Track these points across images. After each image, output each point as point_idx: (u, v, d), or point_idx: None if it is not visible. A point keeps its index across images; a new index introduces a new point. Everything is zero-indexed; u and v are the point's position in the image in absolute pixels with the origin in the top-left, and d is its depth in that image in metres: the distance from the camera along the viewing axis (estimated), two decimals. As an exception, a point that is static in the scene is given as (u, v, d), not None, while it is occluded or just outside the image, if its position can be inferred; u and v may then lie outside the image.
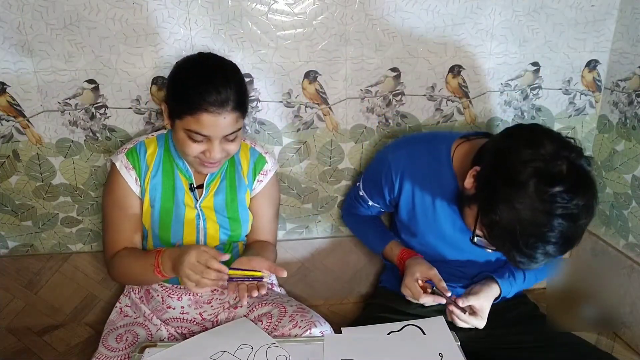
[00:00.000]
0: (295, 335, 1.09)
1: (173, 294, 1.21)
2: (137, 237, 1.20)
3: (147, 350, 1.05)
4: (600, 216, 1.49)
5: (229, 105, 1.03)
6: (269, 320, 1.14)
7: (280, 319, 1.13)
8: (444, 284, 1.11)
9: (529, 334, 1.17)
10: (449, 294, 1.10)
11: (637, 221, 1.36)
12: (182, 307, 1.21)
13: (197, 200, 1.18)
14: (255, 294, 1.00)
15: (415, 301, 1.13)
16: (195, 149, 1.06)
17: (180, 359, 1.03)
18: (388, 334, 1.11)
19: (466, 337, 1.12)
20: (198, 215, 1.19)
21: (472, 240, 1.01)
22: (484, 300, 1.12)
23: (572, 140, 0.93)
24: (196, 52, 1.14)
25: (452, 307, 1.09)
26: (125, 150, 1.17)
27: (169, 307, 1.21)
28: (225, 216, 1.20)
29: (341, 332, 1.12)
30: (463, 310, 1.09)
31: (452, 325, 1.13)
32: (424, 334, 1.11)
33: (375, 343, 1.08)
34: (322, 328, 1.11)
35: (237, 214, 1.21)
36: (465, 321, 1.10)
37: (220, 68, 1.08)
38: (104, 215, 1.20)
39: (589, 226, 1.51)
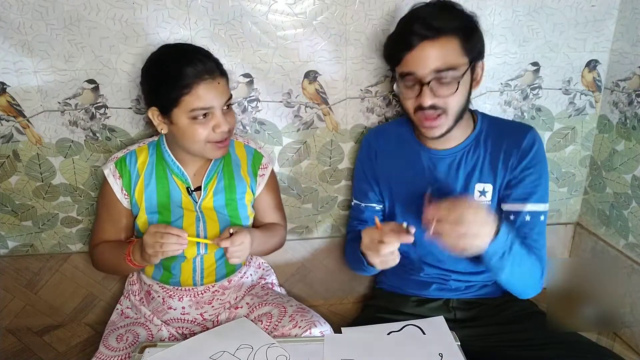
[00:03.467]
0: (295, 335, 1.09)
1: (174, 295, 1.21)
2: (120, 237, 1.23)
3: (147, 350, 1.05)
4: (600, 216, 1.49)
5: (217, 70, 1.07)
6: (269, 320, 1.14)
7: (280, 319, 1.13)
8: (403, 224, 1.01)
9: (527, 331, 1.17)
10: (413, 230, 0.99)
11: (637, 221, 1.36)
12: (183, 307, 1.21)
13: (197, 202, 1.18)
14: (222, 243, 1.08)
15: (381, 250, 1.00)
16: (202, 132, 1.07)
17: (181, 359, 1.03)
18: (388, 334, 1.11)
19: (466, 337, 1.12)
20: (198, 217, 1.19)
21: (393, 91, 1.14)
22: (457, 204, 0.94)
23: None
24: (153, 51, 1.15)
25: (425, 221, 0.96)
26: (115, 159, 1.19)
27: (170, 308, 1.21)
28: (226, 214, 1.20)
29: (341, 332, 1.12)
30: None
31: (452, 325, 1.13)
32: (424, 334, 1.11)
33: (375, 343, 1.08)
34: (322, 328, 1.11)
35: (237, 212, 1.22)
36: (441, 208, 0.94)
37: (189, 47, 1.13)
38: (95, 211, 1.28)
39: (589, 226, 1.53)
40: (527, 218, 1.14)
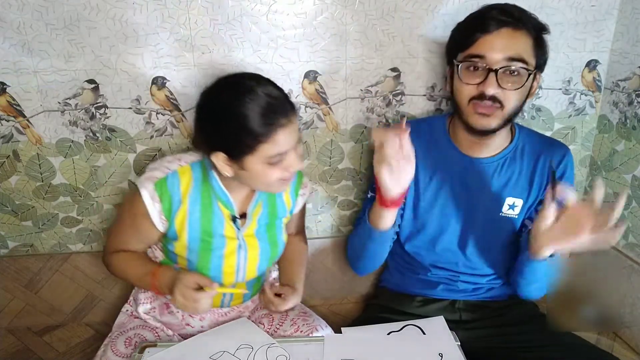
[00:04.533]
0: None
1: (196, 315, 1.17)
2: (144, 250, 1.17)
3: (147, 350, 1.05)
4: (600, 216, 1.49)
5: (288, 106, 0.98)
6: (271, 323, 1.14)
7: (282, 322, 1.13)
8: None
9: (529, 333, 1.17)
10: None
11: (637, 221, 1.36)
12: (202, 326, 1.19)
13: (240, 230, 1.11)
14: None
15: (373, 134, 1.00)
16: (275, 173, 0.99)
17: (181, 359, 1.03)
18: (388, 334, 1.11)
19: (466, 337, 1.12)
20: (240, 245, 1.12)
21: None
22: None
23: None
24: (212, 82, 1.01)
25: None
26: (155, 180, 1.03)
27: (188, 325, 1.19)
28: (266, 241, 1.15)
29: (341, 332, 1.12)
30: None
31: (455, 326, 1.13)
32: (424, 334, 1.11)
33: (375, 343, 1.08)
34: (324, 332, 1.10)
35: (276, 238, 1.17)
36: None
37: (257, 80, 0.98)
38: (117, 219, 1.15)
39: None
40: None
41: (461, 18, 1.30)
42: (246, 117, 0.93)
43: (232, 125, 0.94)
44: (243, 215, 1.11)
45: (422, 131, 1.21)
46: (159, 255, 1.19)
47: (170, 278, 1.03)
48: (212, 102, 0.98)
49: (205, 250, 1.09)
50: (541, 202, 1.14)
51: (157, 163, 1.09)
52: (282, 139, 0.95)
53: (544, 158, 1.16)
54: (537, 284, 1.15)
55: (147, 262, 1.12)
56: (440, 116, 1.28)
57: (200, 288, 1.00)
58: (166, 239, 1.11)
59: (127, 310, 1.24)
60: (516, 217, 1.18)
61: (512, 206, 1.17)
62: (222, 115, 0.96)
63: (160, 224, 1.06)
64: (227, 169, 1.00)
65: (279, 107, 0.95)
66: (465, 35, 1.07)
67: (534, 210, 1.18)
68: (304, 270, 1.27)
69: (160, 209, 1.04)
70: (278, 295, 1.17)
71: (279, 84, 1.29)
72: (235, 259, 1.12)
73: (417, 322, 1.14)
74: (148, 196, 1.03)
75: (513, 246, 1.22)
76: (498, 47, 1.01)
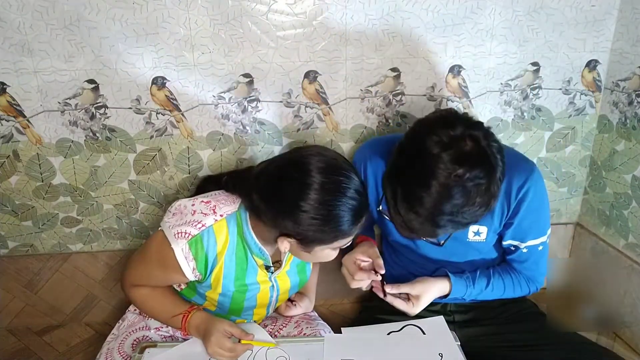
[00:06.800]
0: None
1: None
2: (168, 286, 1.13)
3: (147, 350, 1.05)
4: (600, 216, 1.49)
5: (366, 194, 0.98)
6: (274, 324, 1.14)
7: (286, 324, 1.13)
8: (380, 262, 1.10)
9: (529, 332, 1.17)
10: (383, 271, 1.09)
11: (637, 221, 1.36)
12: None
13: (273, 274, 1.10)
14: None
15: (352, 285, 1.12)
16: (336, 252, 1.02)
17: (181, 359, 1.03)
18: (388, 334, 1.11)
19: (466, 337, 1.12)
20: (272, 286, 1.11)
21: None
22: (420, 288, 1.12)
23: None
24: (298, 160, 0.95)
25: (377, 286, 1.10)
26: (189, 237, 0.96)
27: None
28: (296, 274, 1.15)
29: (341, 332, 1.12)
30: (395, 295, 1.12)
31: (452, 325, 1.13)
32: (424, 334, 1.11)
33: (375, 343, 1.08)
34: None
35: (305, 274, 1.17)
36: (391, 302, 1.11)
37: (346, 173, 0.93)
38: (142, 256, 1.07)
39: (589, 226, 1.53)
40: (525, 251, 1.15)
41: (461, 18, 1.30)
42: (337, 221, 0.92)
43: (316, 224, 0.92)
44: (276, 261, 1.09)
45: (380, 150, 1.16)
46: (182, 284, 1.14)
47: (203, 323, 1.02)
48: (303, 194, 0.90)
49: (239, 295, 1.07)
50: (505, 226, 1.12)
51: (189, 211, 1.00)
52: (355, 230, 0.97)
53: (507, 181, 1.05)
54: (502, 296, 1.20)
55: (177, 302, 1.08)
56: (400, 134, 1.18)
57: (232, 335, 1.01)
58: (198, 283, 1.07)
59: (136, 310, 1.21)
60: (484, 241, 1.15)
61: (477, 233, 1.14)
62: (312, 212, 0.90)
63: (192, 277, 1.01)
64: (286, 247, 0.98)
65: (365, 204, 0.95)
66: (399, 219, 0.98)
67: (504, 234, 1.15)
68: (316, 276, 1.31)
69: (194, 266, 0.99)
70: (289, 300, 1.20)
71: (278, 84, 1.31)
72: (268, 298, 1.12)
73: (417, 322, 1.14)
74: (182, 255, 0.97)
75: (494, 256, 1.22)
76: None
